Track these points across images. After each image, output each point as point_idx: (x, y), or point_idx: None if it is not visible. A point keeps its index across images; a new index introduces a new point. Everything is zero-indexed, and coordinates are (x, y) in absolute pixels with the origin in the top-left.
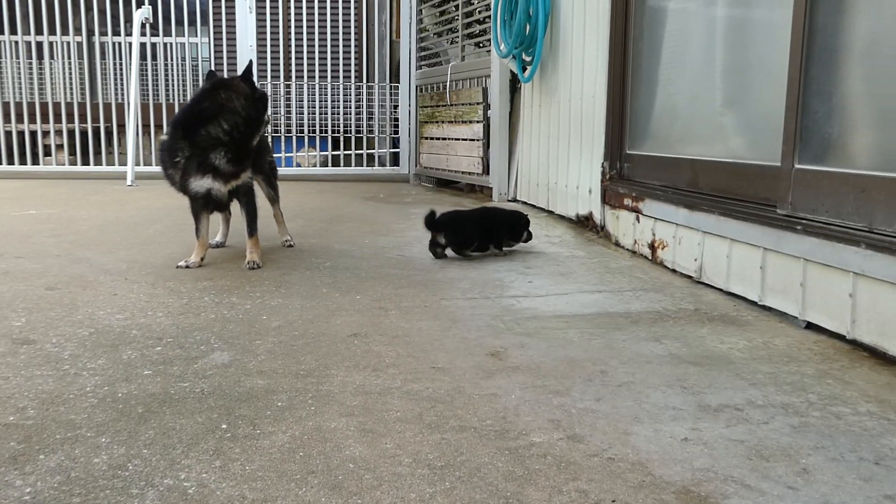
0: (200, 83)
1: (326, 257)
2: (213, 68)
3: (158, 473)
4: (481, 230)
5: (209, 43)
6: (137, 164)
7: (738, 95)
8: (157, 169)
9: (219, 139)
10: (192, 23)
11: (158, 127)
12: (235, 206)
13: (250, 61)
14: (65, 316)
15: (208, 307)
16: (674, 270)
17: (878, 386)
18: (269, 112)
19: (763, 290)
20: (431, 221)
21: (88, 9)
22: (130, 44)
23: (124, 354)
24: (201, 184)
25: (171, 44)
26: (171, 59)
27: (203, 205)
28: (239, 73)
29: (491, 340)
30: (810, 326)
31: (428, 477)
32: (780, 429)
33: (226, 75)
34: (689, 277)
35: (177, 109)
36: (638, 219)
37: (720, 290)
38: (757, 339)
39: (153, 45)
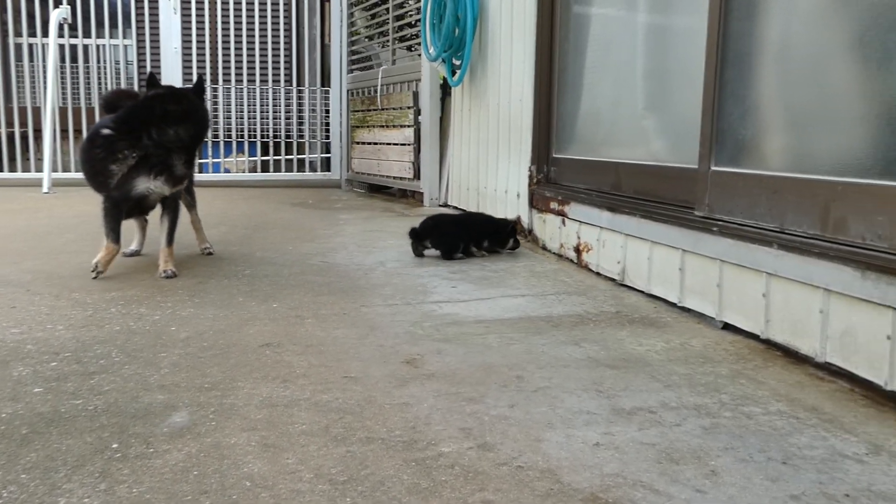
0: (124, 86)
1: (246, 265)
2: (151, 71)
3: (36, 500)
4: (468, 235)
5: (132, 45)
6: (55, 170)
7: (659, 99)
8: (76, 175)
9: (182, 143)
10: (114, 24)
11: (78, 132)
12: (152, 215)
13: (201, 76)
14: None
15: (114, 319)
16: (598, 273)
17: (790, 385)
18: None
19: (682, 292)
20: (416, 233)
21: (3, 9)
22: (48, 45)
23: (14, 371)
24: (149, 185)
25: (91, 46)
26: (92, 62)
27: (133, 207)
28: (174, 80)
29: (408, 348)
30: (727, 327)
31: (328, 493)
32: (691, 430)
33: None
34: (613, 280)
35: (97, 114)
36: (564, 222)
37: (642, 292)
38: (674, 340)
39: (73, 47)
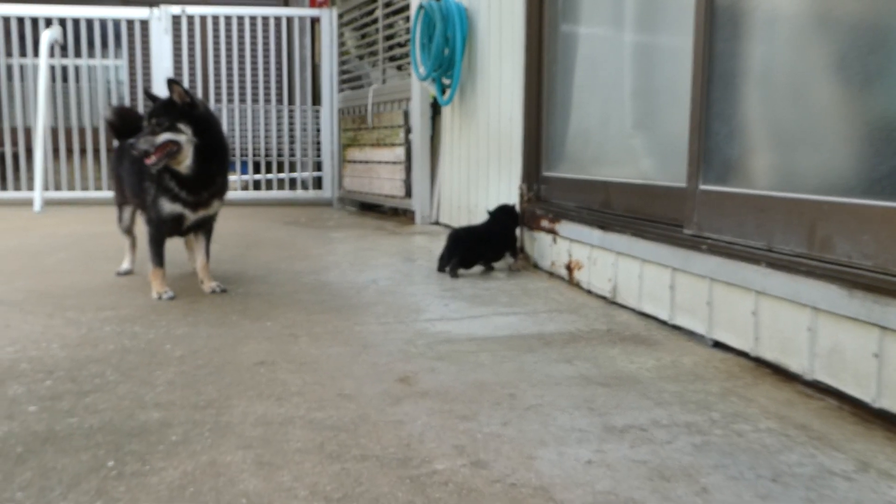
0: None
1: (240, 283)
2: (147, 90)
3: None
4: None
5: (124, 66)
6: (47, 188)
7: (647, 118)
8: (68, 194)
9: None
10: (105, 45)
11: (69, 151)
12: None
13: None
14: None
15: (108, 338)
16: (589, 291)
17: (779, 402)
18: None
19: (673, 310)
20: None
21: None
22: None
23: (9, 390)
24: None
25: (82, 66)
26: (84, 82)
27: (174, 228)
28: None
29: (401, 365)
30: (717, 345)
31: None
32: (682, 448)
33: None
34: (604, 298)
35: (89, 133)
36: (555, 240)
37: (633, 310)
38: (665, 358)
39: (64, 68)
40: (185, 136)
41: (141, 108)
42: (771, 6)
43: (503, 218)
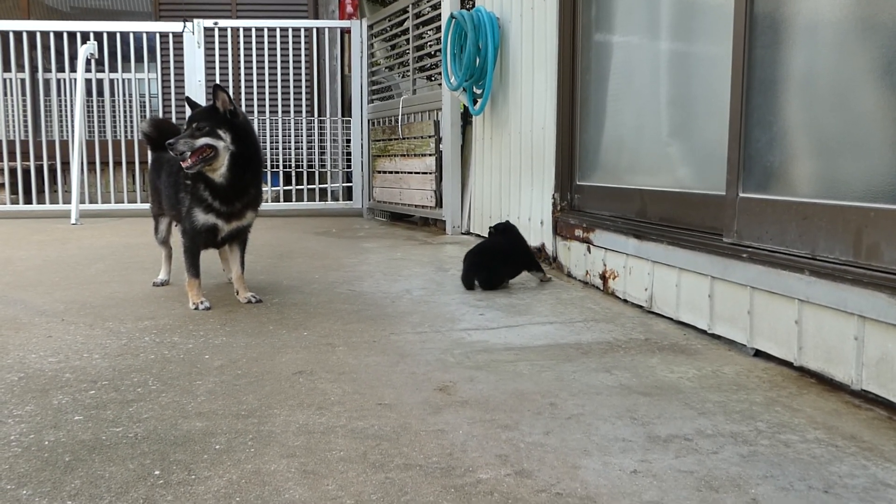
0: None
1: (275, 293)
2: (189, 97)
3: None
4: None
5: (157, 78)
6: (82, 201)
7: (684, 126)
8: (103, 207)
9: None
10: (139, 59)
11: (104, 164)
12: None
13: (216, 85)
14: None
15: (148, 347)
16: (625, 300)
17: (826, 412)
18: None
19: (712, 319)
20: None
21: (32, 46)
22: (76, 80)
23: (55, 399)
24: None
25: (117, 80)
26: (119, 95)
27: (209, 240)
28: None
29: (440, 375)
30: (759, 354)
31: None
32: (729, 458)
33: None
34: (640, 307)
35: (124, 146)
36: (589, 249)
37: (670, 319)
38: (706, 367)
39: (99, 81)
40: (223, 143)
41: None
42: (812, 11)
43: (512, 234)
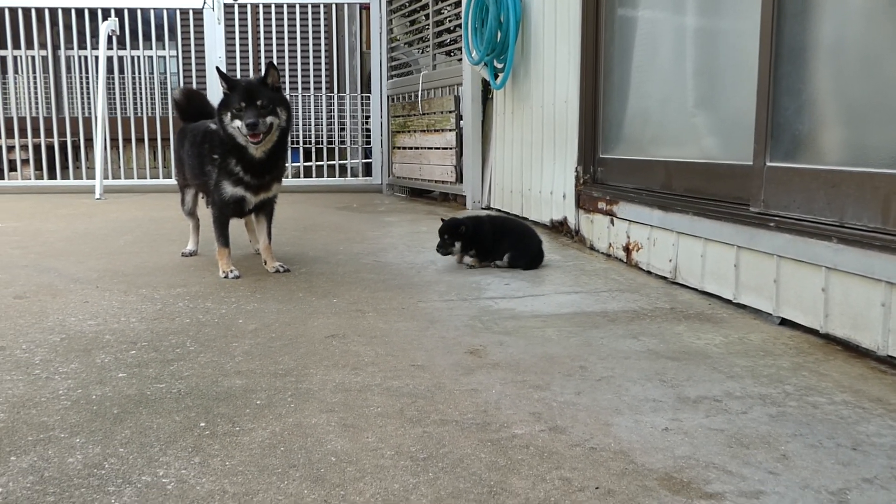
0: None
1: (301, 264)
2: (220, 69)
3: (136, 471)
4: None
5: (177, 56)
6: (106, 177)
7: (710, 97)
8: (126, 182)
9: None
10: (159, 36)
11: (126, 140)
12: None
13: (270, 63)
14: (34, 323)
15: (183, 312)
16: (649, 272)
17: (853, 377)
18: None
19: (737, 288)
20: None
21: (54, 23)
22: (97, 57)
23: (97, 358)
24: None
25: (138, 57)
26: (139, 73)
27: (236, 210)
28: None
29: (469, 339)
30: (784, 322)
31: (411, 468)
32: (758, 418)
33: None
34: (664, 278)
35: (146, 122)
36: (612, 222)
37: (695, 289)
38: (732, 335)
39: (120, 59)
40: (278, 121)
41: None
42: None
43: (494, 224)
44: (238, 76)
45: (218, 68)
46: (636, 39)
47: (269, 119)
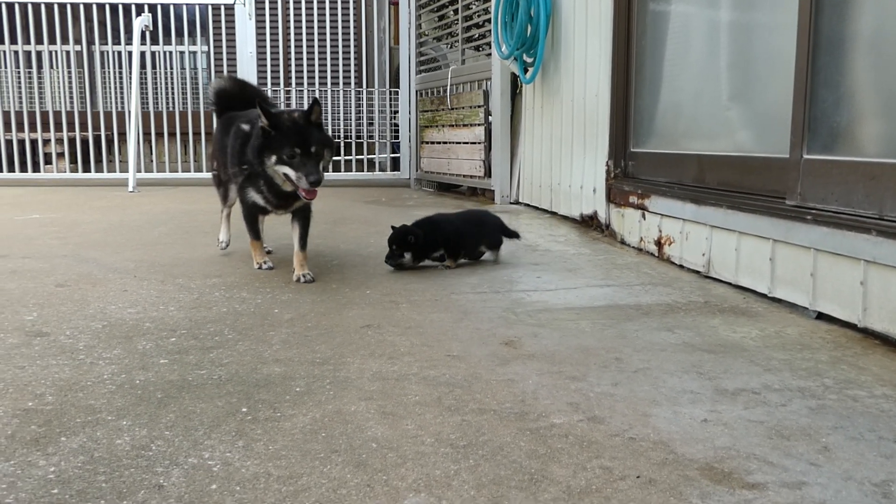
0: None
1: (333, 256)
2: (263, 103)
3: (182, 453)
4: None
5: (209, 51)
6: (138, 170)
7: (744, 90)
8: (158, 175)
9: None
10: (191, 32)
11: (159, 135)
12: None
13: (315, 100)
14: (76, 310)
15: (219, 301)
16: (681, 266)
17: (893, 371)
18: None
19: (773, 282)
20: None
21: (88, 19)
22: (130, 53)
23: (139, 345)
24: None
25: (170, 52)
26: (171, 68)
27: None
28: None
29: (504, 330)
30: (821, 316)
31: (451, 455)
32: (798, 411)
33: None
34: (697, 272)
35: (178, 117)
36: (644, 216)
37: (729, 283)
38: (769, 328)
39: (152, 54)
40: (324, 164)
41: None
42: None
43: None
44: (268, 72)
45: (259, 102)
46: (669, 33)
47: (321, 165)
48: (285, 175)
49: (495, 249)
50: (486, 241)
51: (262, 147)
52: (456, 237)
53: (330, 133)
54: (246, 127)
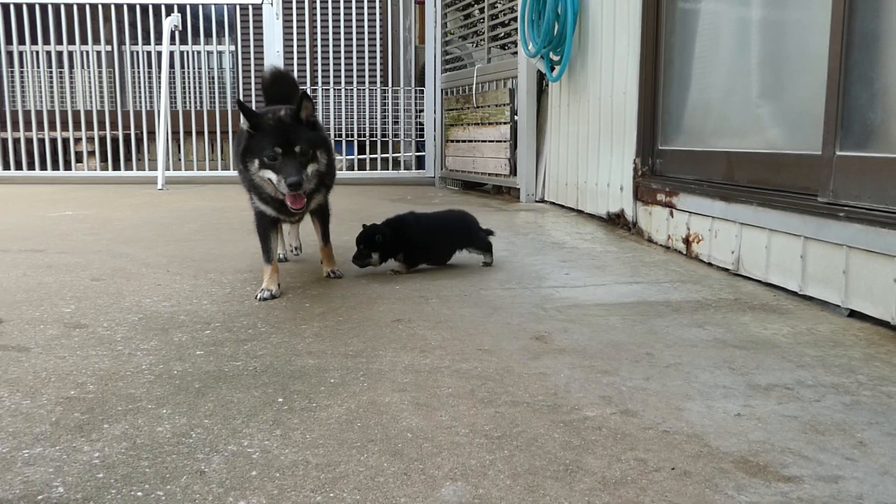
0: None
1: None
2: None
3: (221, 441)
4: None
5: (236, 51)
6: (167, 168)
7: (775, 86)
8: (186, 174)
9: None
10: (219, 32)
11: (187, 133)
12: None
13: (304, 93)
14: (113, 303)
15: (251, 296)
16: (710, 263)
17: None
18: None
19: (804, 280)
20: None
21: (118, 20)
22: (159, 53)
23: (175, 337)
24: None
25: (198, 52)
26: (200, 68)
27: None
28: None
29: (534, 325)
30: (853, 314)
31: (486, 445)
32: (832, 406)
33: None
34: (726, 270)
35: (206, 117)
36: (672, 214)
37: (759, 280)
38: (800, 325)
39: (181, 54)
40: (318, 166)
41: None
42: None
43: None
44: (295, 71)
45: (238, 101)
46: (698, 30)
47: (310, 168)
48: (269, 180)
49: (485, 251)
50: (471, 243)
51: (245, 150)
52: (418, 240)
53: (354, 132)
54: (246, 126)
